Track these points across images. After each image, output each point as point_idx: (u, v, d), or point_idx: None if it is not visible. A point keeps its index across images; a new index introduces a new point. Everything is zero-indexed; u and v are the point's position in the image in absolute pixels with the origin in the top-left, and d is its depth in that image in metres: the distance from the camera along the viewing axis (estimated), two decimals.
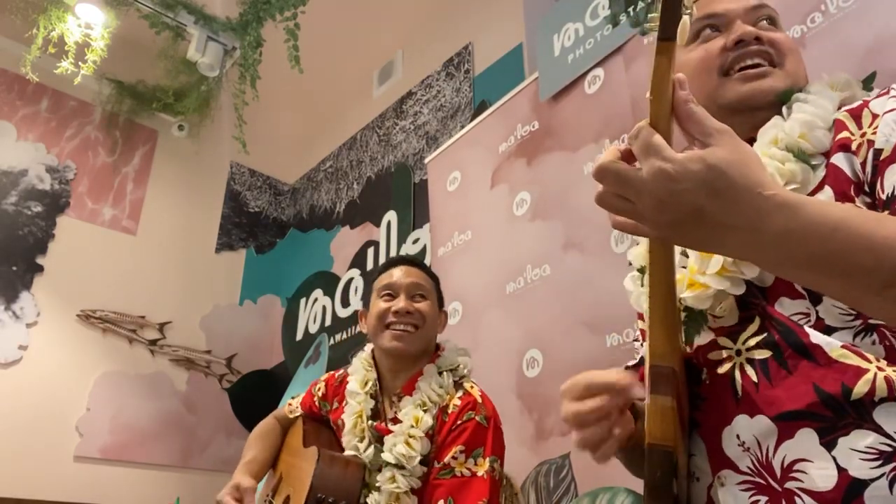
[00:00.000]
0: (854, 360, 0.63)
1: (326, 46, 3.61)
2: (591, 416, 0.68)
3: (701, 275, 0.73)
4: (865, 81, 0.83)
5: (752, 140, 0.80)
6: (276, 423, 1.69)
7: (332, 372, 1.66)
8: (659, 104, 0.57)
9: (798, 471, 0.62)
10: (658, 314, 0.64)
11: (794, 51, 0.84)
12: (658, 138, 0.55)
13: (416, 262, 1.58)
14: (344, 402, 1.52)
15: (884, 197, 0.66)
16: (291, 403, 1.69)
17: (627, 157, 0.58)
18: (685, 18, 0.53)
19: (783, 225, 0.53)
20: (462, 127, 2.83)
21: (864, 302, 0.58)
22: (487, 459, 1.29)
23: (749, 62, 0.82)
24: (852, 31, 1.44)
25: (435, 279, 1.57)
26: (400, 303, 1.45)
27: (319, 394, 1.62)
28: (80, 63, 2.93)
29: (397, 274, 1.50)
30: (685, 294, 0.74)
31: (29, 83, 3.16)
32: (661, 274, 0.64)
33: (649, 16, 0.56)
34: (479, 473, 1.27)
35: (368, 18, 3.50)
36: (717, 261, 0.72)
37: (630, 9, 2.02)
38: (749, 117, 0.80)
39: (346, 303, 3.37)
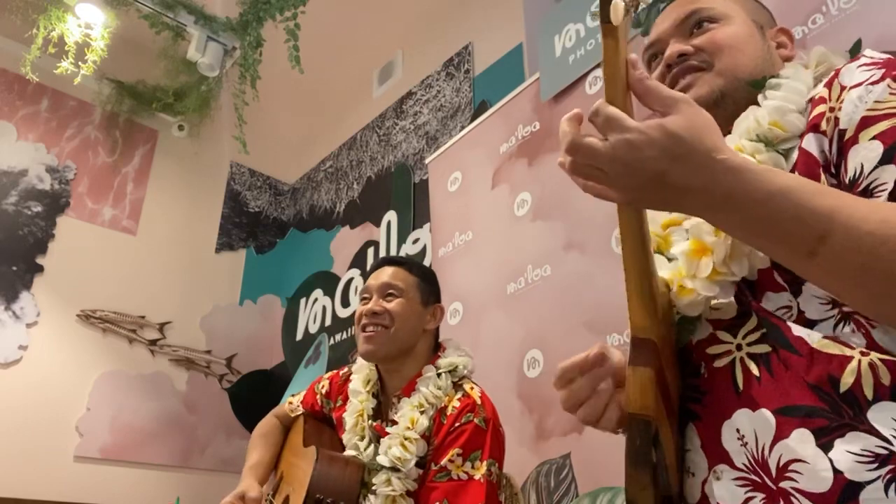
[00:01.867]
0: (836, 350, 0.63)
1: (326, 46, 3.61)
2: (582, 395, 0.72)
3: (690, 278, 0.74)
4: (852, 51, 0.83)
5: (728, 132, 0.80)
6: (277, 421, 1.69)
7: (336, 370, 1.66)
8: (613, 84, 0.60)
9: (793, 471, 0.62)
10: (635, 288, 0.66)
11: (728, 44, 0.83)
12: (616, 111, 0.58)
13: (396, 261, 1.57)
14: (347, 401, 1.52)
15: (846, 181, 0.66)
16: (292, 402, 1.68)
17: (581, 120, 0.62)
18: (618, 1, 0.57)
19: (729, 186, 0.58)
20: (462, 127, 2.83)
21: (798, 267, 0.62)
22: (485, 462, 1.28)
23: (682, 82, 0.84)
24: (853, 33, 1.44)
25: (420, 275, 1.55)
26: (369, 304, 1.47)
27: (323, 391, 1.62)
28: (80, 63, 2.93)
29: (375, 276, 1.53)
30: (677, 300, 0.75)
31: (29, 83, 3.15)
32: (634, 249, 0.65)
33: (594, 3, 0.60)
34: (476, 477, 1.26)
35: (368, 18, 3.50)
36: (706, 264, 0.72)
37: (631, 10, 2.02)
38: None
39: (346, 303, 3.37)
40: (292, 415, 1.66)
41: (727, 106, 0.81)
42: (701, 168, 0.58)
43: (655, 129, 0.57)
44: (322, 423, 1.62)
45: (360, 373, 1.53)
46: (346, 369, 1.63)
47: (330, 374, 1.66)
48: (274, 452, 1.63)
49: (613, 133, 0.58)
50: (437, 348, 1.52)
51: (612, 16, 0.57)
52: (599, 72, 2.09)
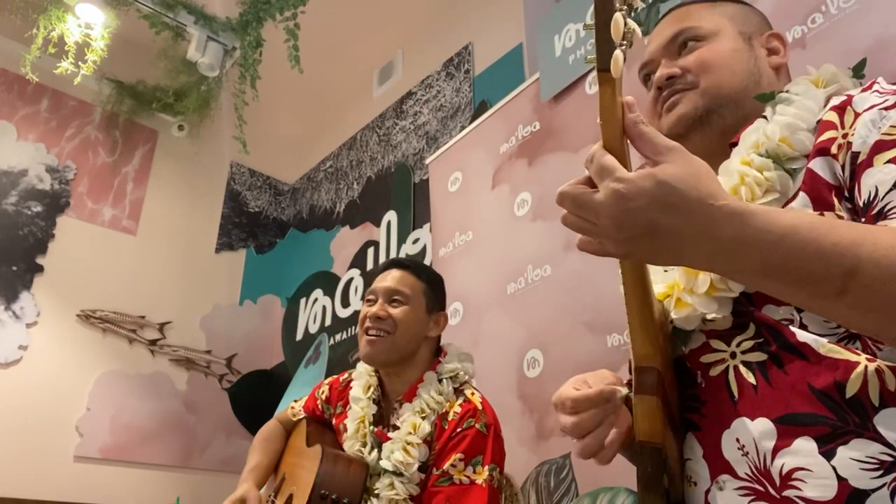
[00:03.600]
0: (843, 355, 0.63)
1: (326, 46, 3.61)
2: (586, 428, 0.71)
3: (688, 293, 0.74)
4: (856, 69, 0.83)
5: (734, 144, 0.81)
6: (279, 425, 1.69)
7: (336, 375, 1.67)
8: (609, 128, 0.59)
9: (797, 479, 0.62)
10: (637, 319, 0.67)
11: (712, 63, 0.85)
12: (610, 159, 0.57)
13: (405, 264, 1.57)
14: (347, 407, 1.53)
15: (861, 203, 0.66)
16: (294, 406, 1.69)
17: (590, 183, 0.60)
18: (618, 52, 0.56)
19: (734, 233, 0.55)
20: (462, 127, 2.83)
21: (824, 309, 0.59)
22: (486, 467, 1.29)
23: (669, 101, 0.86)
24: (853, 32, 1.44)
25: (428, 281, 1.55)
26: (374, 308, 1.47)
27: (323, 396, 1.63)
28: (80, 63, 2.93)
29: (382, 279, 1.53)
30: (673, 314, 0.75)
31: (29, 83, 3.15)
32: (634, 282, 0.66)
33: (589, 46, 0.59)
34: (478, 481, 1.27)
35: (368, 18, 3.50)
36: (704, 279, 0.72)
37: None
38: (689, 143, 0.83)
39: (346, 303, 3.37)
40: (294, 419, 1.67)
41: (713, 122, 0.83)
42: (696, 215, 0.55)
43: (645, 179, 0.55)
44: (324, 426, 1.62)
45: (361, 379, 1.54)
46: (346, 375, 1.63)
47: (330, 379, 1.67)
48: (274, 456, 1.63)
49: (604, 181, 0.57)
50: (438, 353, 1.53)
51: (613, 68, 0.56)
52: None
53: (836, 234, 0.55)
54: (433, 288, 1.56)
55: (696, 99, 0.84)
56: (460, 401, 1.39)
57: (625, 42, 0.56)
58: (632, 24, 0.57)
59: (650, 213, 0.55)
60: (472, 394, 1.42)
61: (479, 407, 1.37)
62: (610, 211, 0.56)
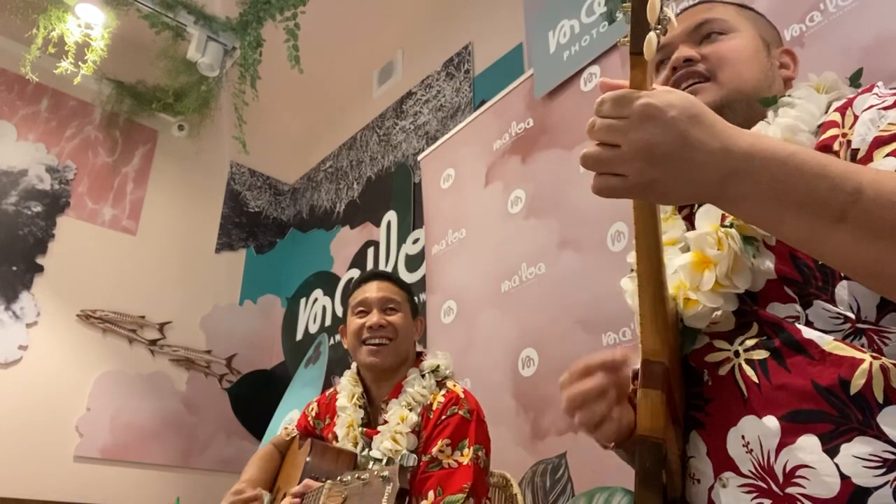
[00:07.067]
0: (848, 352, 0.63)
1: (326, 46, 3.61)
2: (592, 393, 0.72)
3: (694, 290, 0.74)
4: (852, 78, 0.84)
5: None
6: (273, 448, 1.75)
7: (323, 392, 1.76)
8: None
9: (800, 476, 0.62)
10: (648, 312, 0.67)
11: (733, 58, 0.85)
12: (628, 89, 0.59)
13: (387, 275, 1.68)
14: (336, 417, 1.60)
15: None
16: (287, 428, 1.77)
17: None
18: (651, 35, 0.56)
19: (751, 144, 0.57)
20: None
21: (820, 237, 0.57)
22: (472, 448, 1.38)
23: (683, 85, 0.85)
24: (851, 31, 1.43)
25: (407, 290, 1.66)
26: (373, 317, 1.55)
27: (313, 413, 1.71)
28: (80, 63, 2.93)
29: (370, 290, 1.61)
30: (683, 312, 0.76)
31: (29, 83, 3.16)
32: (649, 273, 0.66)
33: (624, 29, 0.60)
34: (465, 462, 1.36)
35: (368, 18, 3.50)
36: (709, 277, 0.73)
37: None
38: None
39: (346, 303, 3.36)
40: (288, 438, 1.73)
41: (726, 116, 0.81)
42: (718, 127, 0.58)
43: (671, 93, 0.58)
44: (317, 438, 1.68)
45: (345, 390, 1.61)
46: (331, 390, 1.71)
47: (317, 397, 1.76)
48: (269, 473, 1.67)
49: (633, 102, 0.57)
50: (418, 356, 1.62)
51: (646, 51, 0.57)
52: (595, 68, 2.08)
53: (839, 161, 0.58)
54: (412, 295, 1.67)
55: (714, 91, 0.83)
56: (443, 392, 1.49)
57: (659, 27, 0.57)
58: (668, 11, 0.57)
59: (680, 125, 0.56)
60: (454, 385, 1.52)
61: (461, 395, 1.47)
62: (643, 126, 0.57)
